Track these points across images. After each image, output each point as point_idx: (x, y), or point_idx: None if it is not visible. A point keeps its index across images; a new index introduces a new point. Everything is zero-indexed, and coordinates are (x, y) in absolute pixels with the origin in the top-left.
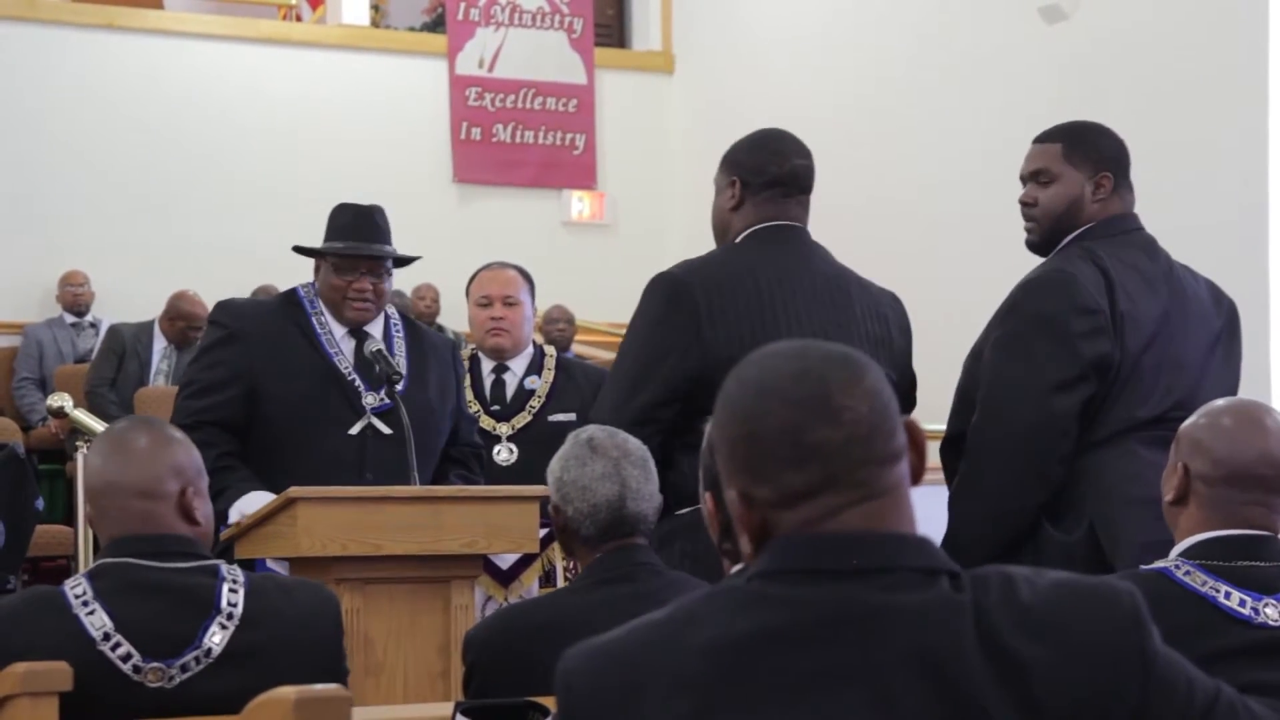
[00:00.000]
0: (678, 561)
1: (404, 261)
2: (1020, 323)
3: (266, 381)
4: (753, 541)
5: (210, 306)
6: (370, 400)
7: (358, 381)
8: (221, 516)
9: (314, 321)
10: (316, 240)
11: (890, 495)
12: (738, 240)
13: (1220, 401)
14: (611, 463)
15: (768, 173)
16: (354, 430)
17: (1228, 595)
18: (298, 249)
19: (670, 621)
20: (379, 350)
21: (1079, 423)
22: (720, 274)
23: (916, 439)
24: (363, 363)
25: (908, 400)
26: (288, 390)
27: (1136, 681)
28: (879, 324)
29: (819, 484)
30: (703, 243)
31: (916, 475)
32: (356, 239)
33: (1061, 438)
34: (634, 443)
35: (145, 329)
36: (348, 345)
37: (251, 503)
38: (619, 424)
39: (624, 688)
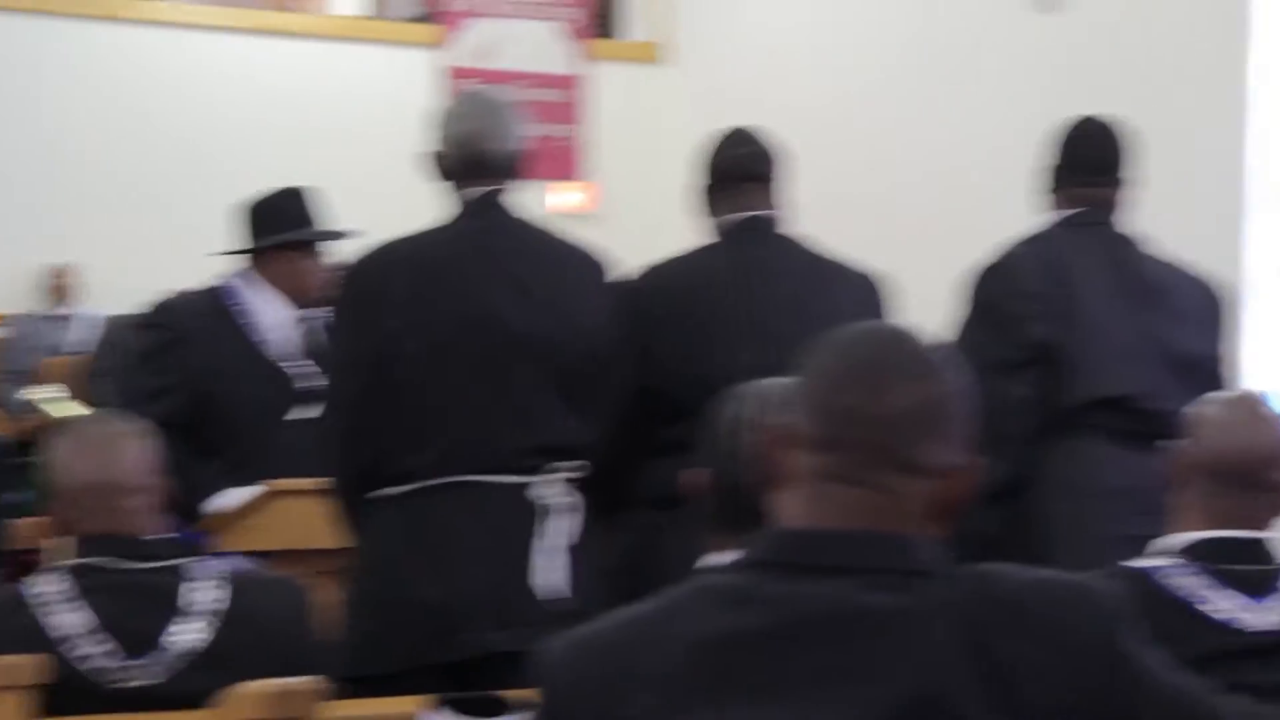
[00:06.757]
0: (669, 555)
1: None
2: (967, 310)
3: (211, 381)
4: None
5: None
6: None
7: (301, 366)
8: (196, 512)
9: (249, 313)
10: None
11: (891, 496)
12: (710, 240)
13: (1217, 394)
14: (475, 104)
15: (714, 167)
16: (300, 416)
17: (1205, 600)
18: (257, 247)
19: (655, 615)
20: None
21: (1031, 407)
22: (679, 279)
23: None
24: (315, 347)
25: None
26: (234, 386)
27: (1116, 683)
28: (859, 310)
29: (828, 441)
30: (694, 234)
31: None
32: (309, 224)
33: (1012, 418)
34: (502, 95)
35: None
36: (296, 331)
37: (228, 498)
38: (622, 435)
39: (606, 680)
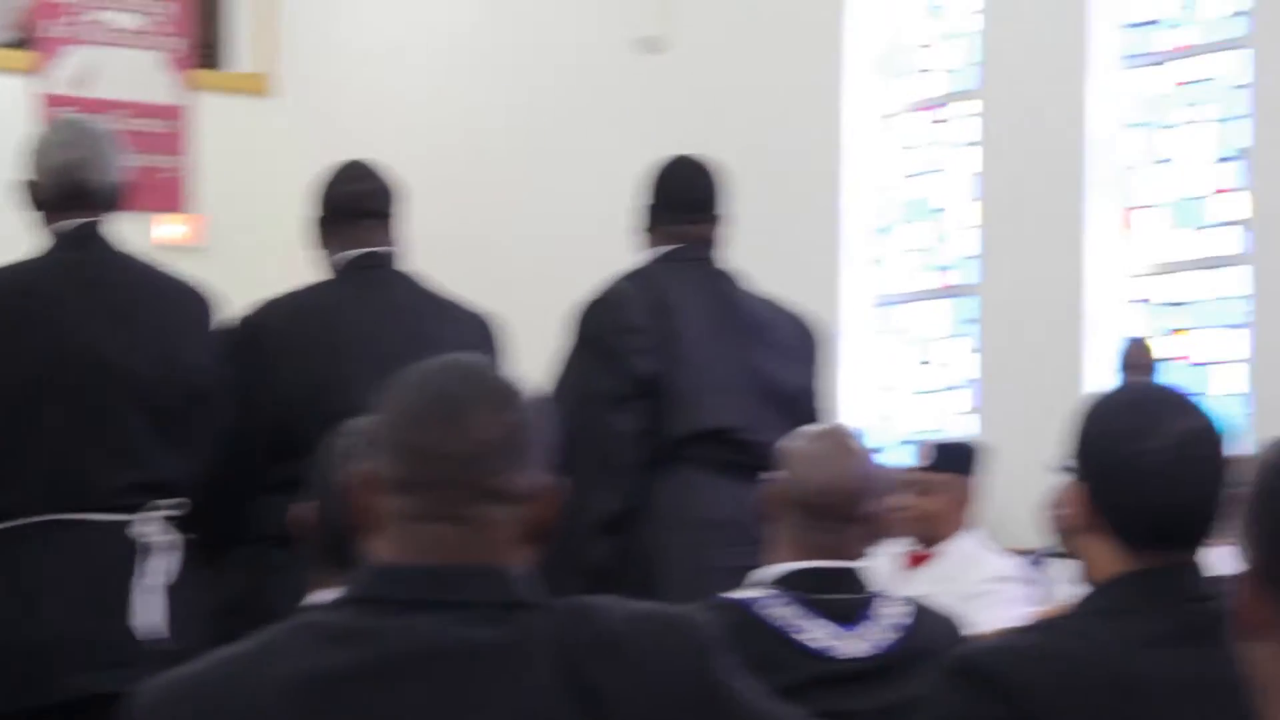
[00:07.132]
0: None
1: None
2: (573, 343)
3: None
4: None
5: None
6: None
7: None
8: None
9: None
10: None
11: (479, 527)
12: (325, 275)
13: (809, 427)
14: (73, 133)
15: (329, 201)
16: None
17: (799, 630)
18: None
19: (251, 654)
20: None
21: (638, 440)
22: (294, 314)
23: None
24: None
25: None
26: None
27: (711, 714)
28: (472, 349)
29: (410, 482)
30: (303, 268)
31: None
32: None
33: (619, 451)
34: (101, 124)
35: None
36: None
37: None
38: (229, 472)
39: None
